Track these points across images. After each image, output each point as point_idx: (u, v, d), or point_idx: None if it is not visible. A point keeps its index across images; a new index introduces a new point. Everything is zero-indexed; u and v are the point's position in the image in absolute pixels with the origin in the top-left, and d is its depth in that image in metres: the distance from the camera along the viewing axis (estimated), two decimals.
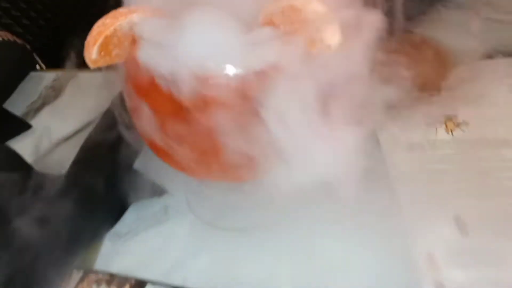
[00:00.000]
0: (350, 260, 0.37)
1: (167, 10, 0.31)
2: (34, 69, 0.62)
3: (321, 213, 0.40)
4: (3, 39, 0.61)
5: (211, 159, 0.31)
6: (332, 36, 0.28)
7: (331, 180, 0.31)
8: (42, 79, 0.60)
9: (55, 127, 0.52)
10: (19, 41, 0.72)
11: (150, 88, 0.30)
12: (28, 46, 0.67)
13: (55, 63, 0.68)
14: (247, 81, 0.28)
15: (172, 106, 0.29)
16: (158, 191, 0.42)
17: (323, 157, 0.32)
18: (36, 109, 0.54)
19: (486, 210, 0.39)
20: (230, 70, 0.27)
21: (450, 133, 0.48)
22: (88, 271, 0.37)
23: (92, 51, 0.30)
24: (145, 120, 0.32)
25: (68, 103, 0.56)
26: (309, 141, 0.31)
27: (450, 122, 0.49)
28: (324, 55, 0.28)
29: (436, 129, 0.48)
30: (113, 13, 0.30)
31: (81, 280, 0.35)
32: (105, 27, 0.30)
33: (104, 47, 0.30)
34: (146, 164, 0.44)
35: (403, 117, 0.46)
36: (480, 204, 0.40)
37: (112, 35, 0.30)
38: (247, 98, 0.29)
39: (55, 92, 0.58)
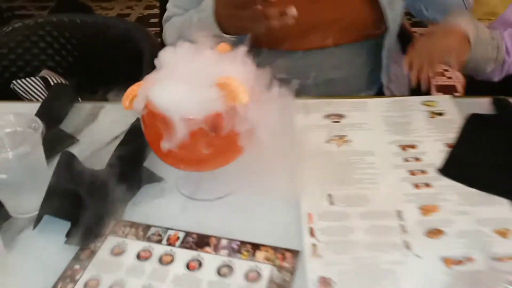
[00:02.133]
0: (267, 215, 0.65)
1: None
2: (77, 101, 0.91)
3: (251, 188, 0.68)
4: (57, 81, 0.90)
5: (189, 159, 0.61)
6: (244, 97, 0.57)
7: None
8: (83, 108, 0.89)
9: (93, 141, 0.81)
10: (64, 80, 1.02)
11: (154, 122, 0.59)
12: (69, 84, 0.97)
13: (87, 96, 0.97)
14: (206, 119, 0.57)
15: (166, 130, 0.59)
16: (158, 179, 0.71)
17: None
18: (80, 129, 0.84)
19: (348, 190, 0.68)
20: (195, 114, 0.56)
21: (340, 145, 0.76)
22: (119, 220, 0.65)
23: (126, 103, 0.59)
24: (153, 138, 0.61)
25: (101, 124, 0.85)
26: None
27: (342, 139, 0.78)
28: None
29: (332, 142, 0.77)
30: (136, 84, 0.60)
31: (116, 224, 0.64)
32: (132, 91, 0.59)
33: (132, 100, 0.59)
34: (151, 163, 0.73)
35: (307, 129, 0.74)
36: (344, 186, 0.69)
37: (136, 94, 0.59)
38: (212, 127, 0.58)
39: (92, 117, 0.87)
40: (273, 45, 0.90)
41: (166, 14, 0.96)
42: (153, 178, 0.72)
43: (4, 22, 3.10)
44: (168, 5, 0.96)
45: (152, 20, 3.07)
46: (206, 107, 0.57)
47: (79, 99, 0.92)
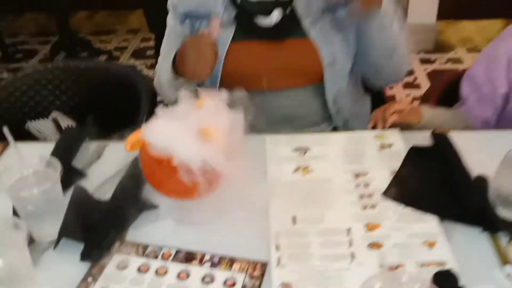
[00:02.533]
0: (242, 235, 0.81)
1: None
2: (85, 141, 1.07)
3: (230, 212, 0.84)
4: (70, 126, 1.06)
5: (178, 190, 0.76)
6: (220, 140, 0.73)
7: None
8: (89, 147, 1.05)
9: (99, 175, 0.96)
10: (72, 122, 1.19)
11: (150, 161, 0.75)
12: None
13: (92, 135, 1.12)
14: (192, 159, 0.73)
15: (160, 167, 0.74)
16: (154, 206, 0.87)
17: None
18: (88, 165, 0.99)
19: (308, 212, 0.84)
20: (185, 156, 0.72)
21: (304, 174, 0.92)
22: (123, 241, 0.81)
23: (128, 147, 0.75)
24: (149, 174, 0.77)
25: (105, 161, 1.01)
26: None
27: (306, 169, 0.94)
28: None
29: (298, 171, 0.93)
30: (136, 131, 0.76)
31: (120, 245, 0.80)
32: (133, 137, 0.75)
33: (134, 145, 0.76)
34: (149, 193, 0.89)
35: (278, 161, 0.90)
36: (306, 209, 0.84)
37: (137, 140, 0.75)
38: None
39: (97, 154, 1.03)
40: (232, 87, 1.04)
41: (157, 66, 1.15)
42: (150, 205, 0.87)
43: (8, 57, 3.29)
44: (159, 58, 1.15)
45: (149, 53, 3.26)
46: (192, 151, 0.73)
47: (87, 139, 1.08)
